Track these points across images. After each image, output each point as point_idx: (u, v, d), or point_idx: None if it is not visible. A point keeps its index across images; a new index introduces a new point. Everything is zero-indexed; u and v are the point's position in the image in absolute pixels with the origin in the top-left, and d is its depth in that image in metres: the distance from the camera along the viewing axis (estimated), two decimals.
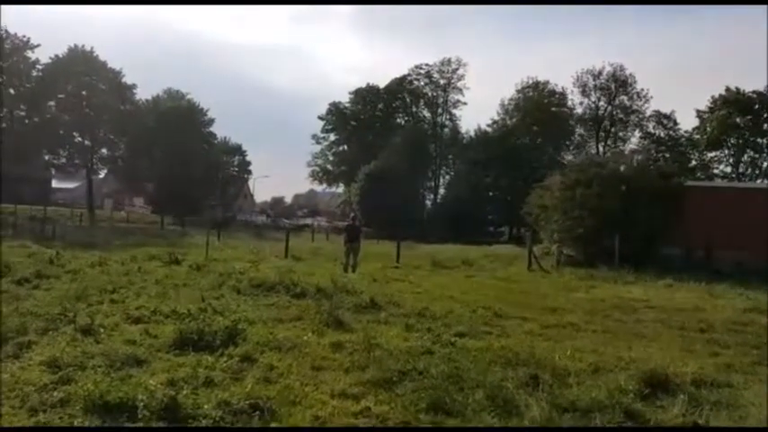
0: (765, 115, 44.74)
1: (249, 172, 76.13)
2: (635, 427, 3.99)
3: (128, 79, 51.41)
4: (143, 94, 56.45)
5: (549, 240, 19.31)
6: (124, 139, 52.11)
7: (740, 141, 45.78)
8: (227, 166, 70.99)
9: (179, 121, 54.19)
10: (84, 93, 48.83)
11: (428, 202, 58.56)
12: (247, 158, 73.36)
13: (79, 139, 50.00)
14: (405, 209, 45.59)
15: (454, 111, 61.07)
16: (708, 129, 46.67)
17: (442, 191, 58.71)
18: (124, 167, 54.30)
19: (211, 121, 61.86)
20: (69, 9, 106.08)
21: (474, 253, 22.12)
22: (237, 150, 73.23)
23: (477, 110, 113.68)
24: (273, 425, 3.85)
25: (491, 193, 51.76)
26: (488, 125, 56.28)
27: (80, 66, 47.66)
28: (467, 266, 17.75)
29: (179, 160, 52.57)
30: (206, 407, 3.94)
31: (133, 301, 8.11)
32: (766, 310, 9.49)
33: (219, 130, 68.79)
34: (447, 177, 59.30)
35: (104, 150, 52.60)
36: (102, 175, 61.76)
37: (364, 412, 4.10)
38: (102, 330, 6.07)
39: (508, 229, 48.68)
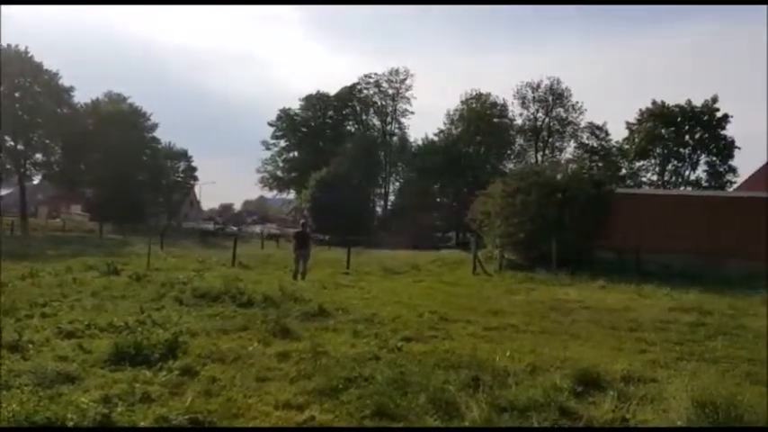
0: (687, 127, 47.82)
1: (195, 178, 74.15)
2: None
3: (66, 82, 48.96)
4: (83, 97, 54.04)
5: (492, 245, 19.87)
6: (60, 143, 49.46)
7: (665, 151, 48.65)
8: (172, 172, 68.85)
9: (120, 125, 52.15)
10: (16, 95, 45.98)
11: (378, 209, 58.96)
12: (193, 164, 71.50)
13: (11, 143, 46.96)
14: (356, 215, 45.62)
15: (402, 119, 61.95)
16: (636, 139, 49.30)
17: (392, 197, 59.30)
18: (60, 173, 51.46)
19: (155, 126, 60.01)
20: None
21: (422, 258, 22.44)
22: (183, 156, 71.15)
23: (425, 119, 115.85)
24: None
25: (438, 200, 52.74)
26: (435, 134, 57.42)
27: (13, 66, 44.84)
28: (416, 271, 17.97)
29: (120, 165, 50.51)
30: (142, 424, 3.86)
31: (66, 315, 7.75)
32: (689, 308, 10.16)
33: (166, 136, 66.62)
34: (397, 184, 59.97)
35: (39, 155, 49.64)
36: (36, 181, 58.44)
37: (308, 422, 4.10)
38: (30, 346, 5.77)
39: (455, 235, 49.61)
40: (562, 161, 45.02)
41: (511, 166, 51.63)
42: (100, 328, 6.90)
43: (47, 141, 48.93)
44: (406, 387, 4.75)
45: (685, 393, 4.31)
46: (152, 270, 14.76)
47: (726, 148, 47.32)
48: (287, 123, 62.42)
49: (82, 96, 54.81)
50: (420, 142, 57.51)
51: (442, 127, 57.87)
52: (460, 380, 4.96)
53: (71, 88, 49.61)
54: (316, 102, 61.88)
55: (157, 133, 60.92)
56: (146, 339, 5.83)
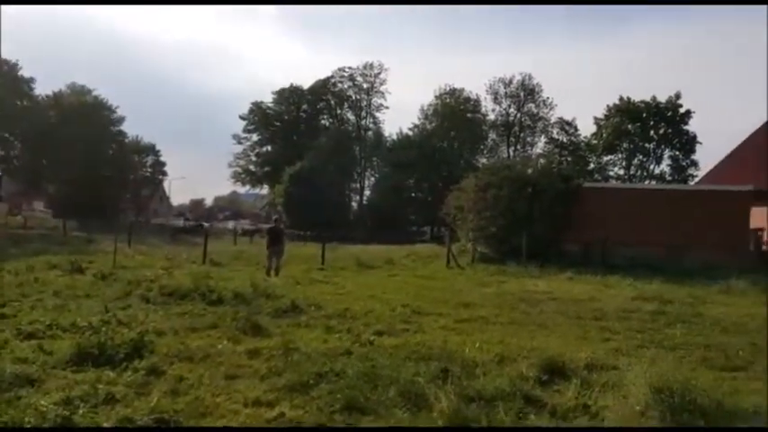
0: (652, 123, 49.05)
1: (164, 173, 72.77)
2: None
3: (28, 73, 47.42)
4: (46, 89, 52.39)
5: (466, 239, 20.09)
6: (20, 136, 47.81)
7: (631, 146, 49.81)
8: (140, 167, 67.36)
9: (84, 119, 50.65)
10: None
11: (354, 204, 58.82)
12: (162, 159, 70.07)
13: None
14: (331, 210, 45.46)
15: (377, 114, 61.85)
16: (603, 135, 50.35)
17: (367, 192, 59.28)
18: (21, 168, 49.81)
19: (121, 119, 58.61)
20: None
21: (397, 252, 22.51)
22: (151, 150, 69.68)
23: (399, 114, 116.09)
24: None
25: (413, 195, 53.01)
26: (410, 129, 57.68)
27: None
28: (390, 266, 18.01)
29: (84, 160, 49.10)
30: (105, 425, 3.79)
31: (26, 315, 7.51)
32: (650, 297, 10.50)
33: (135, 130, 65.11)
34: (372, 179, 59.89)
35: None
36: None
37: (278, 418, 4.09)
38: None
39: (430, 229, 49.95)
40: (533, 156, 45.74)
41: (484, 160, 52.16)
42: (62, 329, 6.71)
43: (6, 135, 47.31)
44: (376, 380, 4.77)
45: (643, 380, 4.43)
46: (118, 268, 14.39)
47: (688, 143, 48.73)
48: (259, 117, 61.55)
49: (44, 89, 53.16)
50: (395, 137, 57.69)
51: (417, 122, 58.19)
52: (430, 372, 5.01)
53: (31, 80, 48.10)
54: (289, 95, 61.11)
55: (124, 127, 59.60)
56: (110, 339, 5.70)
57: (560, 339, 6.93)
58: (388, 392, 4.47)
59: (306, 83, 61.89)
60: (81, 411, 3.96)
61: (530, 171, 20.47)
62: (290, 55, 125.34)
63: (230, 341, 6.29)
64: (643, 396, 4.23)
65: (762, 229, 21.16)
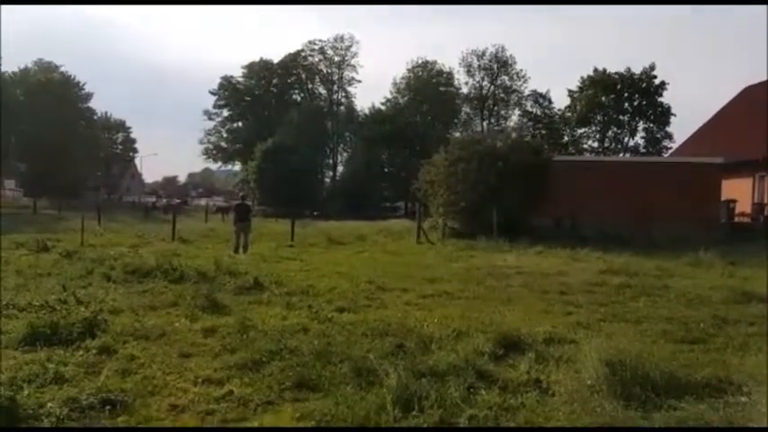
0: (626, 95, 48.98)
1: (135, 150, 71.21)
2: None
3: None
4: (11, 66, 50.47)
5: (437, 214, 20.03)
6: None
7: (605, 119, 49.78)
8: (110, 144, 65.71)
9: (51, 95, 49.04)
10: None
11: (327, 180, 58.20)
12: (132, 135, 68.44)
13: None
14: (303, 186, 44.90)
15: (349, 88, 60.56)
16: (578, 107, 50.12)
17: (340, 168, 58.55)
18: None
19: (89, 96, 56.85)
20: None
21: (369, 228, 22.41)
22: (121, 126, 68.02)
23: (372, 87, 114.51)
24: (122, 418, 3.69)
25: (386, 170, 52.50)
26: (382, 103, 56.72)
27: None
28: (361, 242, 17.93)
29: (53, 137, 47.69)
30: (50, 405, 3.72)
31: None
32: (618, 270, 10.58)
33: (106, 107, 63.29)
34: (345, 154, 59.10)
35: None
36: None
37: (226, 396, 4.05)
38: None
39: (404, 205, 49.77)
40: (508, 129, 45.41)
41: (458, 134, 51.71)
42: (19, 308, 6.56)
43: None
44: (330, 357, 4.75)
45: (597, 353, 4.39)
46: (86, 246, 14.21)
47: (663, 115, 49.04)
48: (229, 92, 59.64)
49: (10, 66, 51.27)
50: (367, 111, 56.79)
51: (389, 96, 57.32)
52: (384, 348, 5.00)
53: None
54: (259, 70, 59.13)
55: (93, 103, 57.93)
56: (63, 318, 5.62)
57: (523, 313, 6.92)
58: (341, 369, 4.45)
59: (276, 56, 60.36)
60: (27, 391, 3.92)
61: (499, 144, 20.32)
62: (261, 26, 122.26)
63: (188, 319, 6.23)
64: (595, 370, 4.21)
65: (734, 201, 21.44)
